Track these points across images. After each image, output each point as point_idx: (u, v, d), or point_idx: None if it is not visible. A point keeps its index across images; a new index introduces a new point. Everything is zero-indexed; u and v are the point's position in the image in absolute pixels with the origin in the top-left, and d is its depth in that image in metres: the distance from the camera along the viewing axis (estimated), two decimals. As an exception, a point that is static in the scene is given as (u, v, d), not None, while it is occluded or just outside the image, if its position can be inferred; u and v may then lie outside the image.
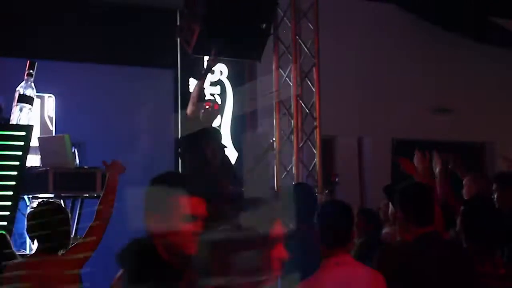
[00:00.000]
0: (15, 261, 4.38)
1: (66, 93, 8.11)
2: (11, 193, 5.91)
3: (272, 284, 2.08)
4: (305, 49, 8.56)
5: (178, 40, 8.63)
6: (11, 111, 6.22)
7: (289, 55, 8.63)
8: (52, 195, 6.19)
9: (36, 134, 6.70)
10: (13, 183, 5.90)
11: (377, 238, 6.03)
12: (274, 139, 8.46)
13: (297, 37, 8.61)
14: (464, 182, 5.99)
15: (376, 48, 10.68)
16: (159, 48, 9.04)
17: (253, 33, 8.18)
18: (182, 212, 2.58)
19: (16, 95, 6.30)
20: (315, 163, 8.48)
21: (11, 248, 4.71)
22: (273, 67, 8.70)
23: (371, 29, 10.69)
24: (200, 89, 7.61)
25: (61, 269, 4.19)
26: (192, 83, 9.38)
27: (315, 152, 8.50)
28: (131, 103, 9.03)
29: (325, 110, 8.53)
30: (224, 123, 9.64)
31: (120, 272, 2.59)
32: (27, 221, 4.39)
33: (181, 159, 7.83)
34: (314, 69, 8.52)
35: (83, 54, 8.66)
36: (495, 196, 5.43)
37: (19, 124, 6.19)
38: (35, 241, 4.43)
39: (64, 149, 6.37)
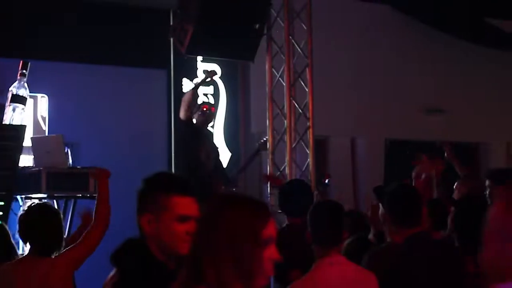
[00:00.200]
0: (7, 263, 4.36)
1: (59, 93, 8.11)
2: (3, 193, 5.91)
3: (265, 284, 2.08)
4: (298, 49, 8.56)
5: (171, 40, 8.63)
6: (3, 111, 6.22)
7: (282, 55, 8.63)
8: (45, 195, 6.19)
9: (29, 134, 6.70)
10: (6, 183, 5.90)
11: (365, 239, 6.02)
12: (266, 138, 8.46)
13: (290, 37, 8.61)
14: (455, 185, 6.03)
15: (369, 49, 10.68)
16: (152, 48, 9.03)
17: (246, 34, 8.18)
18: (175, 212, 2.59)
19: (9, 95, 6.30)
20: (308, 164, 8.48)
21: (9, 239, 4.69)
22: (266, 67, 8.69)
23: (365, 29, 10.69)
24: (193, 96, 7.63)
25: (54, 271, 4.18)
26: (185, 83, 9.39)
27: (308, 152, 8.50)
28: (124, 103, 9.02)
29: (318, 111, 8.53)
30: (217, 123, 9.64)
31: (113, 271, 2.59)
32: (19, 223, 4.36)
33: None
34: (307, 69, 8.51)
35: (76, 55, 8.64)
36: (487, 192, 5.45)
37: (12, 124, 6.18)
38: (27, 243, 4.42)
39: (57, 149, 6.36)
